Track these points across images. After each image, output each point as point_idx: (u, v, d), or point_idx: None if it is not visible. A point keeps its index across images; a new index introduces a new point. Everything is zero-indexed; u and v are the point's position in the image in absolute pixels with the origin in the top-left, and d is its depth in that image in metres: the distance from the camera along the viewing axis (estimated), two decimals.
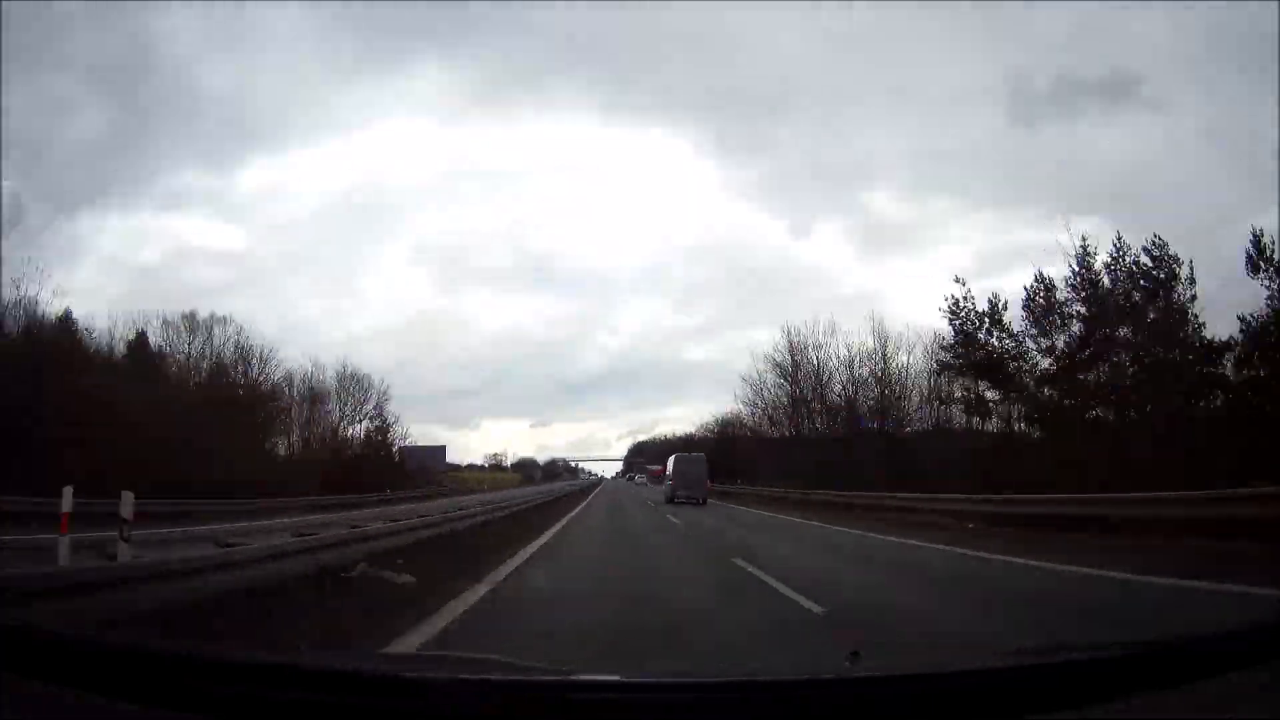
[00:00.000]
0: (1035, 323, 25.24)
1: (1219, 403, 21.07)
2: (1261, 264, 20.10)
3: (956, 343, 28.29)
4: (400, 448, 55.36)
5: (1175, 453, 17.53)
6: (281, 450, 44.40)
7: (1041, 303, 24.97)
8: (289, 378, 46.05)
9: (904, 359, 37.09)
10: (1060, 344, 24.62)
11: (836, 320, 46.27)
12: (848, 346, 39.42)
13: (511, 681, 1.93)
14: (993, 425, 28.82)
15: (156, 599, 4.75)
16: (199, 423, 28.97)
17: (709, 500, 36.56)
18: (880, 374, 37.88)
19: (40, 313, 28.63)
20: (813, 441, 40.29)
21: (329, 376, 49.90)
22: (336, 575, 7.47)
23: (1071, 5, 47.40)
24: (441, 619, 6.30)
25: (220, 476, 25.44)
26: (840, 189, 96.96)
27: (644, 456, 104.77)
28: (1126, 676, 1.89)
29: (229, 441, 30.43)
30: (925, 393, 35.63)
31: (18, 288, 27.40)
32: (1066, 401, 23.97)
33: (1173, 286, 22.40)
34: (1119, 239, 23.93)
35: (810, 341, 40.68)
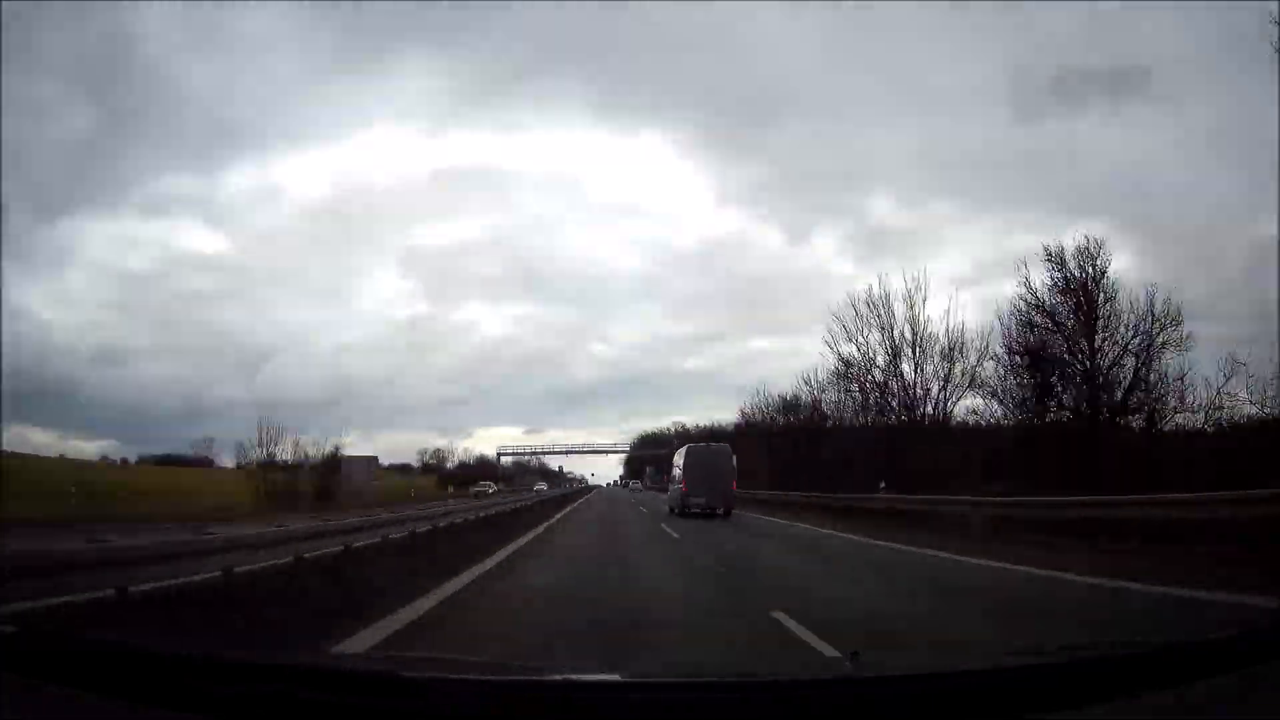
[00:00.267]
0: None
1: None
2: None
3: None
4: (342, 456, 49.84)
5: None
6: None
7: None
8: None
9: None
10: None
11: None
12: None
13: (512, 681, 1.94)
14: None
15: None
16: None
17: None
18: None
19: None
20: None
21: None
22: None
23: (1077, 5, 46.45)
24: None
25: None
26: (839, 193, 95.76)
27: (662, 451, 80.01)
28: (1126, 677, 1.89)
29: None
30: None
31: None
32: None
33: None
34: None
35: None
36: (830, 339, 31.06)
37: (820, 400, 36.14)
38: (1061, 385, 23.02)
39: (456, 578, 9.16)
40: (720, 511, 25.36)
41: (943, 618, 7.15)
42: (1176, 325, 21.01)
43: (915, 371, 29.38)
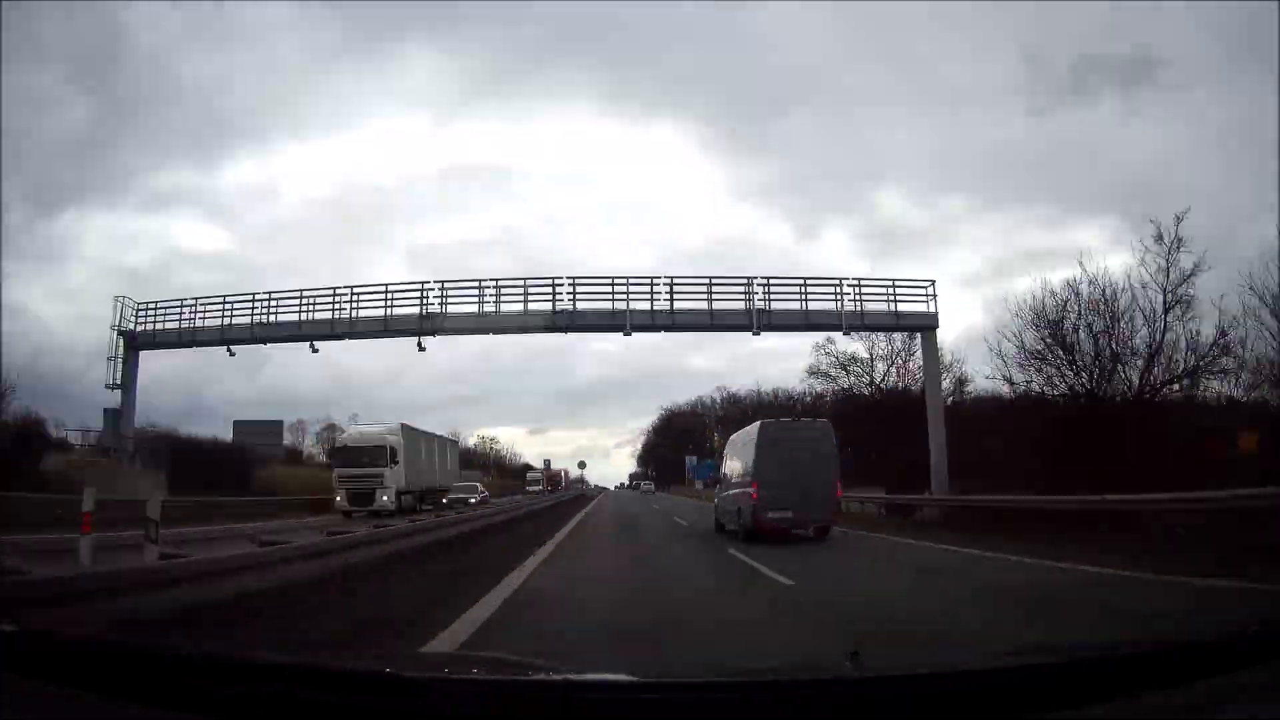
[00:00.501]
0: None
1: None
2: None
3: None
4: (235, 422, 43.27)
5: None
6: None
7: None
8: None
9: None
10: None
11: None
12: None
13: (514, 681, 1.94)
14: None
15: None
16: None
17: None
18: None
19: None
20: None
21: None
22: None
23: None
24: None
25: None
26: (849, 190, 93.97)
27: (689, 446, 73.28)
28: (1127, 676, 1.89)
29: None
30: None
31: None
32: None
33: None
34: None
35: None
36: None
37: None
38: None
39: None
40: (810, 532, 16.11)
41: None
42: None
43: None
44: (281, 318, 26.18)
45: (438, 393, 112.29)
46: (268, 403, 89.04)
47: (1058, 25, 55.72)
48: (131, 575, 5.52)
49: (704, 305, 25.16)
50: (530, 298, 25.13)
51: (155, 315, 26.98)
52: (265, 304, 26.35)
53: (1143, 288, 20.09)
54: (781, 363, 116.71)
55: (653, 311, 25.27)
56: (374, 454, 29.21)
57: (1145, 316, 19.96)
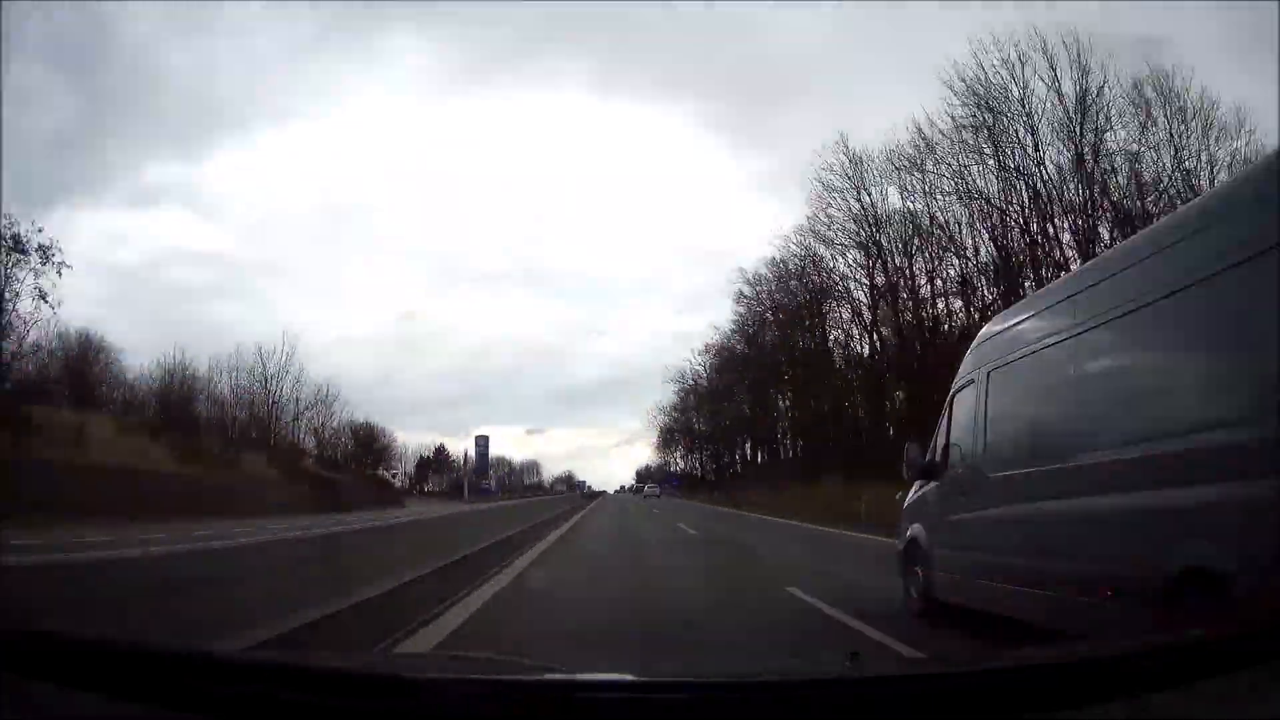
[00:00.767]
0: None
1: None
2: None
3: None
4: None
5: None
6: None
7: None
8: None
9: None
10: None
11: None
12: None
13: (513, 681, 1.94)
14: None
15: None
16: None
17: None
18: None
19: None
20: None
21: None
22: None
23: None
24: None
25: None
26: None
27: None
28: (1127, 676, 1.89)
29: None
30: None
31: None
32: None
33: None
34: None
35: None
36: None
37: None
38: None
39: None
40: None
41: None
42: None
43: None
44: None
45: (433, 391, 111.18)
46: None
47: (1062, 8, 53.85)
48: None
49: None
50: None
51: None
52: None
53: None
54: None
55: None
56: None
57: None
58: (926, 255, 35.02)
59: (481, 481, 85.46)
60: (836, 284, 39.82)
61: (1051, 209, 29.29)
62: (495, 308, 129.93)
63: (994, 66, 29.93)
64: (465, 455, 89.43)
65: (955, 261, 33.06)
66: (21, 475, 19.62)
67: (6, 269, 28.82)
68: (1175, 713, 1.79)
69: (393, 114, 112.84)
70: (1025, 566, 4.84)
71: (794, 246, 41.89)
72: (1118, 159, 28.51)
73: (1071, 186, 28.99)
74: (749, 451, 64.40)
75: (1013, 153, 30.08)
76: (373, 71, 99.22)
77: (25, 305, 30.62)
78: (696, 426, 68.57)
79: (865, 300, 38.46)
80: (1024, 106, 29.86)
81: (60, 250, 30.85)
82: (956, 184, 31.66)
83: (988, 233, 31.38)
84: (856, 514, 15.78)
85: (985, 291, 31.59)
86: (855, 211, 37.15)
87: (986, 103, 30.33)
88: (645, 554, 15.11)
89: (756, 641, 6.64)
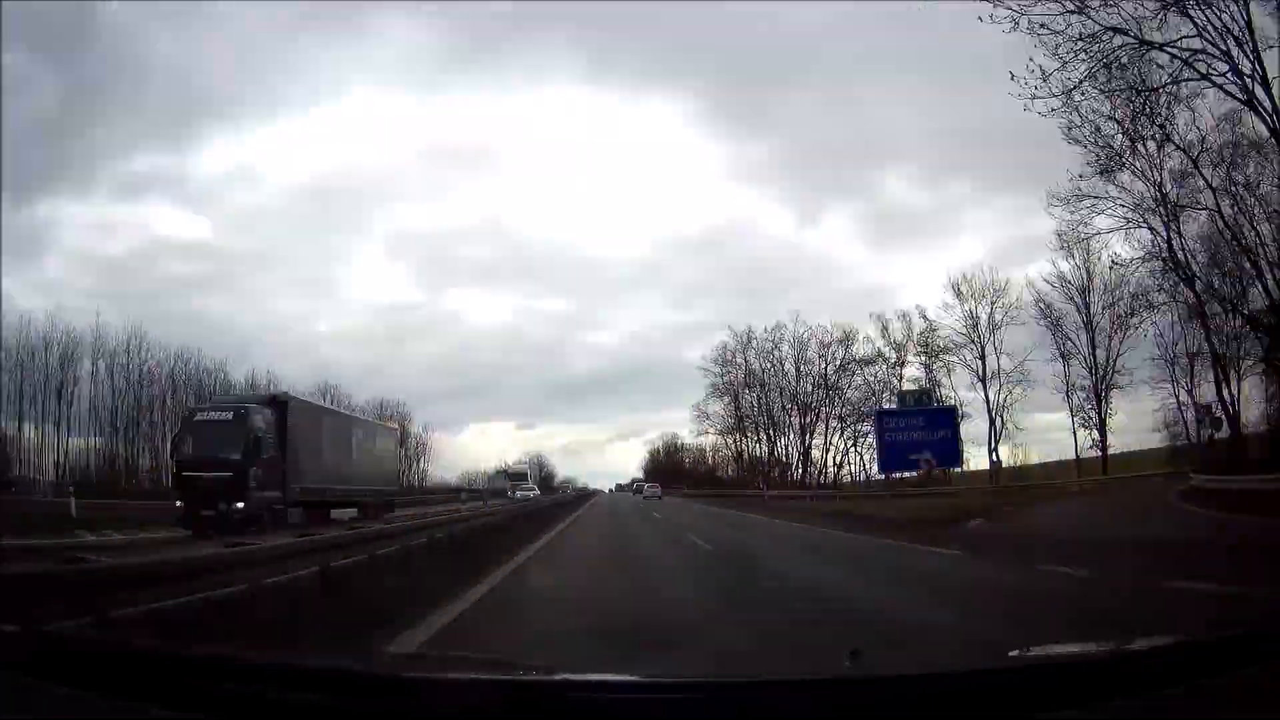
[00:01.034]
0: None
1: None
2: None
3: None
4: None
5: None
6: None
7: None
8: None
9: None
10: None
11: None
12: None
13: (510, 681, 1.94)
14: None
15: None
16: None
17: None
18: None
19: None
20: None
21: None
22: None
23: None
24: None
25: None
26: (852, 170, 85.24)
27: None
28: (1127, 676, 1.89)
29: None
30: None
31: None
32: None
33: None
34: None
35: None
36: None
37: None
38: None
39: None
40: None
41: None
42: None
43: None
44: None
45: (424, 385, 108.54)
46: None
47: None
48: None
49: None
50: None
51: None
52: None
53: None
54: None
55: None
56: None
57: None
58: None
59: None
60: None
61: None
62: (486, 300, 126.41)
63: None
64: None
65: None
66: None
67: None
68: (1176, 713, 1.79)
69: (383, 102, 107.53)
70: None
71: None
72: None
73: None
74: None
75: None
76: (361, 59, 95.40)
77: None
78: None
79: None
80: None
81: None
82: None
83: None
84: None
85: None
86: None
87: None
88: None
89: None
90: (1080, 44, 18.91)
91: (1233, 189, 27.73)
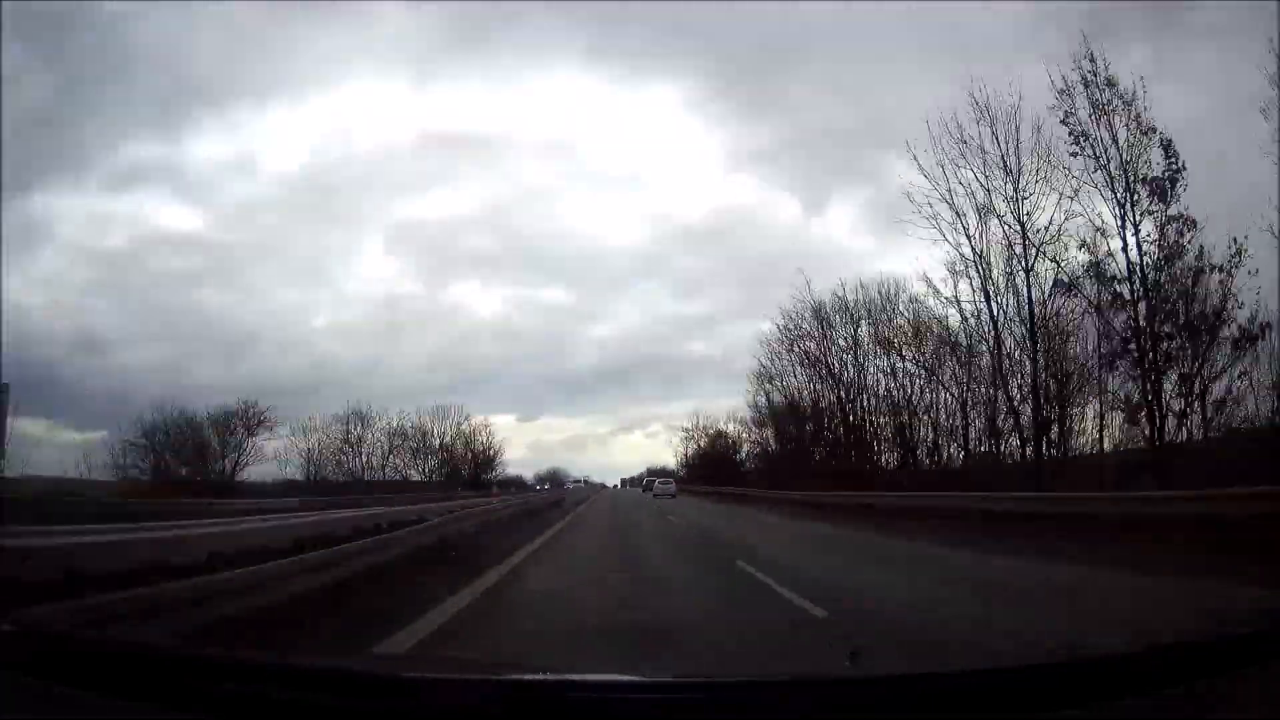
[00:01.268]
0: None
1: None
2: None
3: None
4: None
5: None
6: None
7: None
8: None
9: None
10: None
11: None
12: None
13: (510, 681, 1.93)
14: None
15: None
16: None
17: None
18: None
19: None
20: None
21: None
22: None
23: None
24: None
25: None
26: (859, 155, 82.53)
27: None
28: (1128, 676, 1.89)
29: None
30: None
31: None
32: None
33: None
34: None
35: None
36: None
37: None
38: None
39: None
40: None
41: None
42: None
43: None
44: None
45: (424, 379, 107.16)
46: (244, 390, 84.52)
47: None
48: None
49: None
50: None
51: None
52: None
53: None
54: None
55: None
56: None
57: None
58: None
59: None
60: None
61: None
62: (485, 292, 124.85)
63: None
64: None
65: None
66: None
67: None
68: (1176, 713, 1.79)
69: (379, 88, 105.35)
70: None
71: None
72: None
73: None
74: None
75: None
76: (356, 44, 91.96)
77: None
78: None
79: None
80: None
81: None
82: None
83: None
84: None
85: None
86: None
87: None
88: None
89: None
90: None
91: None
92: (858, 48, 75.59)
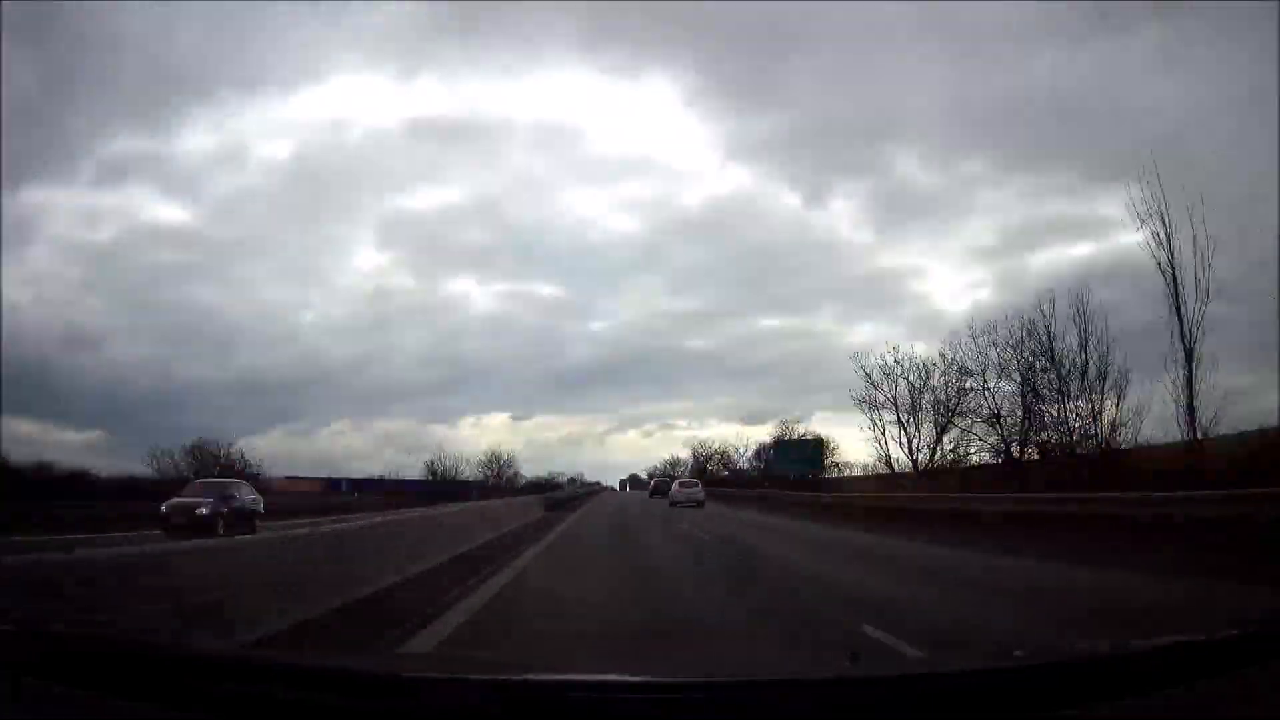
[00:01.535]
0: None
1: None
2: None
3: None
4: None
5: None
6: None
7: None
8: None
9: None
10: None
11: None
12: None
13: (511, 681, 1.93)
14: None
15: None
16: None
17: None
18: None
19: None
20: None
21: None
22: None
23: None
24: None
25: None
26: (860, 148, 78.07)
27: None
28: (1126, 677, 1.89)
29: None
30: None
31: None
32: None
33: None
34: None
35: None
36: None
37: None
38: None
39: None
40: None
41: None
42: None
43: None
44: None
45: (417, 376, 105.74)
46: (233, 390, 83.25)
47: None
48: None
49: None
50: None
51: None
52: None
53: None
54: (786, 344, 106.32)
55: None
56: None
57: None
58: None
59: None
60: None
61: None
62: (477, 287, 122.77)
63: None
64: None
65: None
66: None
67: None
68: (1176, 713, 1.79)
69: (368, 77, 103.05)
70: None
71: None
72: None
73: None
74: None
75: None
76: (345, 33, 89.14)
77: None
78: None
79: None
80: None
81: None
82: None
83: None
84: None
85: None
86: None
87: None
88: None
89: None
90: None
91: None
92: (856, 35, 74.18)
